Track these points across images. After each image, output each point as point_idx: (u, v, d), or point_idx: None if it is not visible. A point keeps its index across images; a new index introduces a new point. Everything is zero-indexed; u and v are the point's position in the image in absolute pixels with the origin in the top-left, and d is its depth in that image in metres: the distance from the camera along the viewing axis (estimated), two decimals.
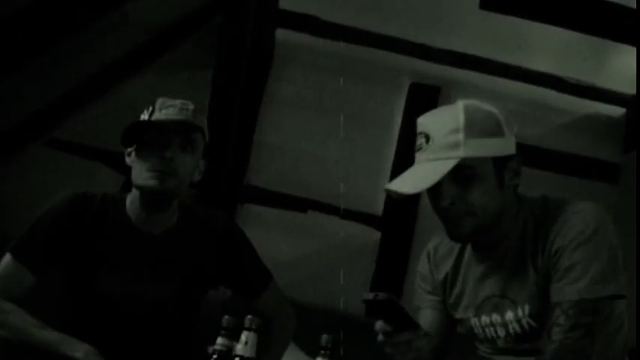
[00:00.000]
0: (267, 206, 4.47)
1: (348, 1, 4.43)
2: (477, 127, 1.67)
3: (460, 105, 1.70)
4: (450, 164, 1.64)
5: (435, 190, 1.68)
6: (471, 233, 1.71)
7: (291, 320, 2.21)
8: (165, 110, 1.99)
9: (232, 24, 3.77)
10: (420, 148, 1.70)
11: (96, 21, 3.87)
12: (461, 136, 1.66)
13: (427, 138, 1.69)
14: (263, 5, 3.98)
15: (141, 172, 1.96)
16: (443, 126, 1.68)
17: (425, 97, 4.48)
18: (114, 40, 4.24)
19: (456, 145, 1.66)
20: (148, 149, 1.96)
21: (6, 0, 3.42)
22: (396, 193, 1.72)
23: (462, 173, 1.66)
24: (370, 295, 1.47)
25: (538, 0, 3.96)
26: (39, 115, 4.34)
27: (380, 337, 1.55)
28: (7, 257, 1.96)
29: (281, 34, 4.55)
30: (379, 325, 1.54)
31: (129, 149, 2.03)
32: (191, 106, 2.02)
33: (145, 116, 2.02)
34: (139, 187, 1.99)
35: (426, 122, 1.72)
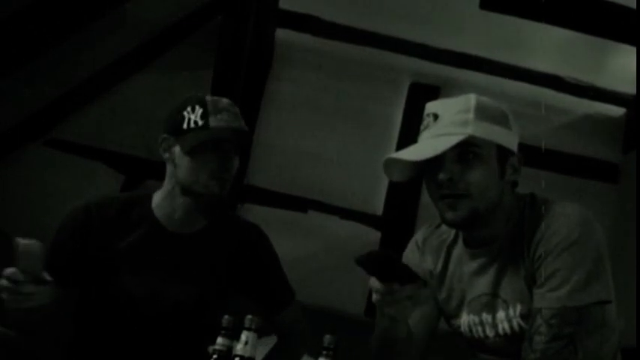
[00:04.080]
0: (267, 206, 4.47)
1: (348, 1, 4.43)
2: (486, 112, 1.70)
3: (471, 94, 1.73)
4: (459, 138, 1.65)
5: (436, 164, 1.67)
6: (466, 217, 1.68)
7: (306, 337, 2.19)
8: (220, 115, 1.97)
9: (232, 24, 3.76)
10: (427, 127, 1.71)
11: (96, 21, 3.87)
12: (471, 115, 1.68)
13: (435, 117, 1.70)
14: (263, 5, 3.98)
15: (199, 177, 1.95)
16: (453, 106, 1.71)
17: (425, 97, 4.44)
18: (114, 40, 4.25)
19: (464, 123, 1.67)
20: (208, 154, 1.95)
21: (6, 0, 3.42)
22: (394, 170, 1.73)
23: (467, 151, 1.67)
24: (364, 254, 1.48)
25: (538, 0, 3.96)
26: (39, 115, 4.34)
27: (376, 297, 1.57)
28: None
29: (281, 34, 4.56)
30: (376, 283, 1.55)
31: (168, 144, 1.99)
32: (236, 109, 2.02)
33: (192, 116, 1.97)
34: (192, 191, 1.97)
35: (435, 104, 1.75)
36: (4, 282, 1.66)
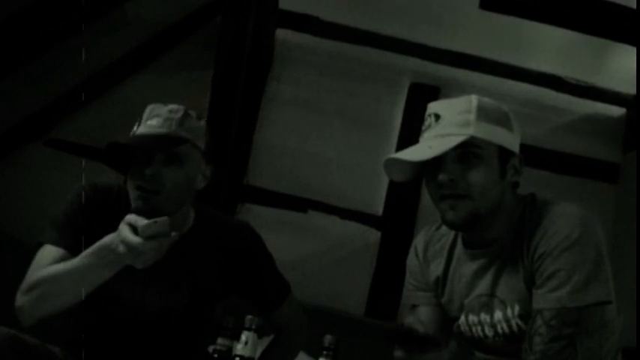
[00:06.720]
0: (267, 206, 4.46)
1: (348, 1, 4.43)
2: (488, 113, 1.70)
3: (472, 95, 1.74)
4: (460, 138, 1.65)
5: (437, 165, 1.68)
6: (466, 218, 1.69)
7: (303, 329, 2.17)
8: (149, 122, 1.90)
9: (232, 24, 3.76)
10: (429, 127, 1.71)
11: (96, 21, 3.87)
12: (472, 116, 1.68)
13: (437, 117, 1.71)
14: (263, 5, 3.98)
15: (130, 192, 1.89)
16: (455, 107, 1.71)
17: (425, 97, 4.47)
18: (114, 40, 4.25)
19: (466, 124, 1.68)
20: (134, 167, 1.88)
21: (6, 0, 3.42)
22: (395, 170, 1.74)
23: (468, 152, 1.67)
24: (391, 329, 1.52)
25: (538, 0, 3.96)
26: (39, 115, 4.34)
27: None
28: (47, 247, 1.88)
29: (281, 34, 4.55)
30: (398, 354, 1.56)
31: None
32: (178, 114, 1.91)
33: (135, 127, 1.94)
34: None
35: (437, 105, 1.75)
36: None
